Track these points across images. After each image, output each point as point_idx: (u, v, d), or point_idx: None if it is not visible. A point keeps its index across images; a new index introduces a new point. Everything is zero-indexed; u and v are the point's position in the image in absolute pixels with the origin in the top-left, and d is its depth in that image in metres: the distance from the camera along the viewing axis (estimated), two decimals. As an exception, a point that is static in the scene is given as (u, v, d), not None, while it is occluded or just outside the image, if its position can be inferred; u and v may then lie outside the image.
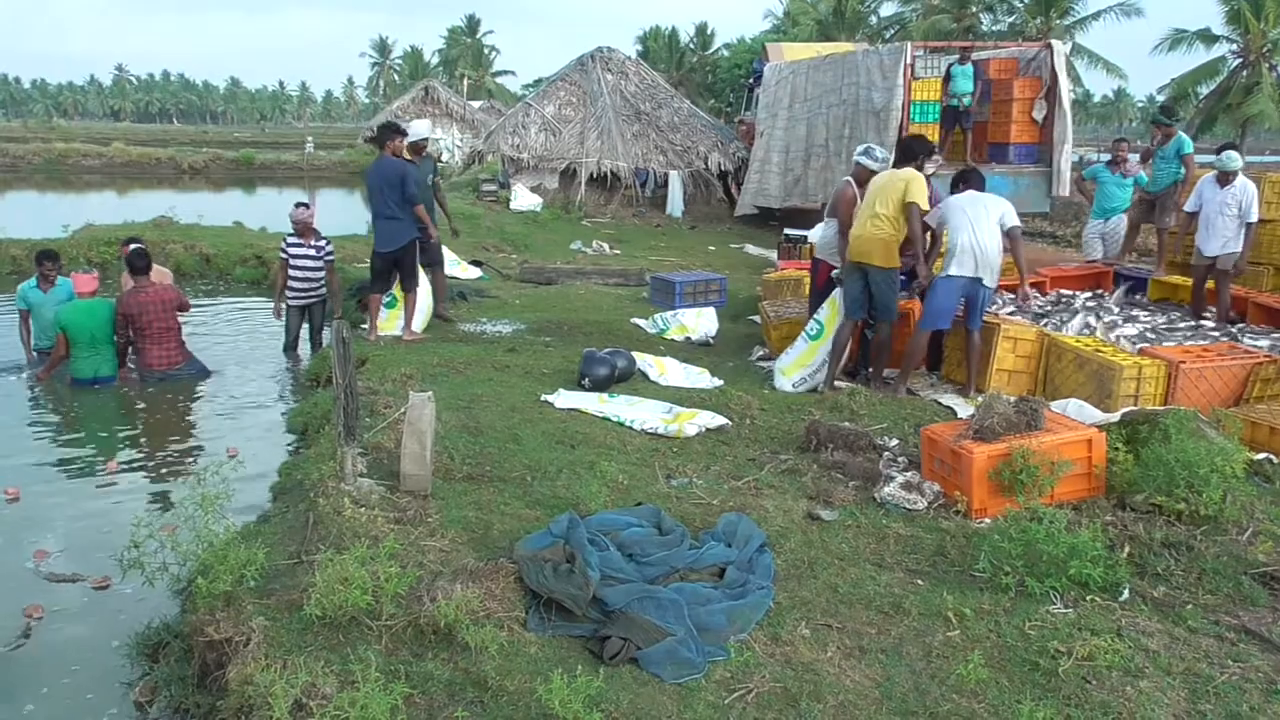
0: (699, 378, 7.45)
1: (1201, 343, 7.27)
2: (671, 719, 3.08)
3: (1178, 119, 10.43)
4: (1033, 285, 9.41)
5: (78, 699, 3.75)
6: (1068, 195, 15.08)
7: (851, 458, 5.51)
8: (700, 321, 9.28)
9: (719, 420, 6.23)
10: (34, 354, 8.48)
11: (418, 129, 9.13)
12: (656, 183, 20.38)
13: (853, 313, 7.12)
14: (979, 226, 6.82)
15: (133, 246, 8.59)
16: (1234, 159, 8.18)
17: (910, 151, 7.22)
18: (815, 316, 7.43)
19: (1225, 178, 8.10)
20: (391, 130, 8.49)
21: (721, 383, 7.39)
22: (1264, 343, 7.21)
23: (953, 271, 6.83)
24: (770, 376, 7.54)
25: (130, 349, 8.21)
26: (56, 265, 8.64)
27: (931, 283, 6.96)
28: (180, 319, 8.35)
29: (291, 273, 8.97)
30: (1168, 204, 9.45)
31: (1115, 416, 5.53)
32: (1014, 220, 6.92)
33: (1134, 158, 10.53)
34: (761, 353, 8.46)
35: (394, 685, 2.96)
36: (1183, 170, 9.33)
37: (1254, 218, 8.03)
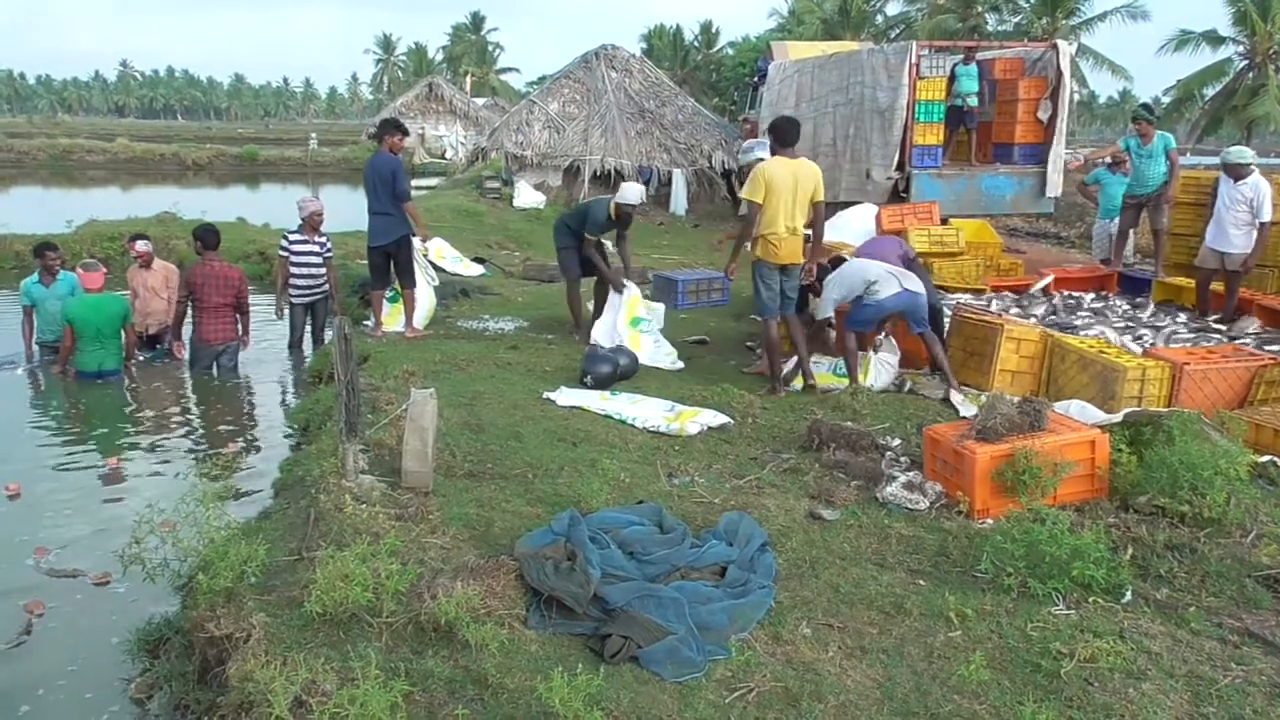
0: (664, 357, 7.81)
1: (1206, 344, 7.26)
2: (672, 718, 3.07)
3: (1158, 116, 10.43)
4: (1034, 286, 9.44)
5: (78, 695, 3.75)
6: (1058, 196, 15.09)
7: (854, 457, 5.50)
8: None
9: (721, 419, 6.23)
10: (35, 349, 8.50)
11: (628, 194, 8.59)
12: (660, 181, 20.36)
13: (773, 311, 7.09)
14: (888, 268, 7.04)
15: (144, 246, 9.01)
16: (1244, 152, 8.15)
17: (789, 135, 6.98)
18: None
19: (1237, 171, 8.00)
20: (391, 126, 8.47)
21: (683, 365, 7.91)
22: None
23: (882, 296, 6.89)
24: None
25: (174, 329, 8.65)
26: (57, 254, 8.72)
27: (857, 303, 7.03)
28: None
29: (296, 270, 8.95)
30: (1160, 203, 9.42)
31: (1118, 418, 5.51)
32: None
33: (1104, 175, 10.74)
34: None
35: (394, 682, 2.95)
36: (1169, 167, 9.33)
37: (1266, 217, 7.93)
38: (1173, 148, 9.36)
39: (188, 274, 8.63)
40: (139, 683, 3.70)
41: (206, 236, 8.62)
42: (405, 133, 8.63)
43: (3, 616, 4.25)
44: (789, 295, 7.12)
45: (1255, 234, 7.90)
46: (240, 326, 8.63)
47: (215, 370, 8.34)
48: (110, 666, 3.88)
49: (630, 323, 8.41)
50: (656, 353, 8.10)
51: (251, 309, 8.78)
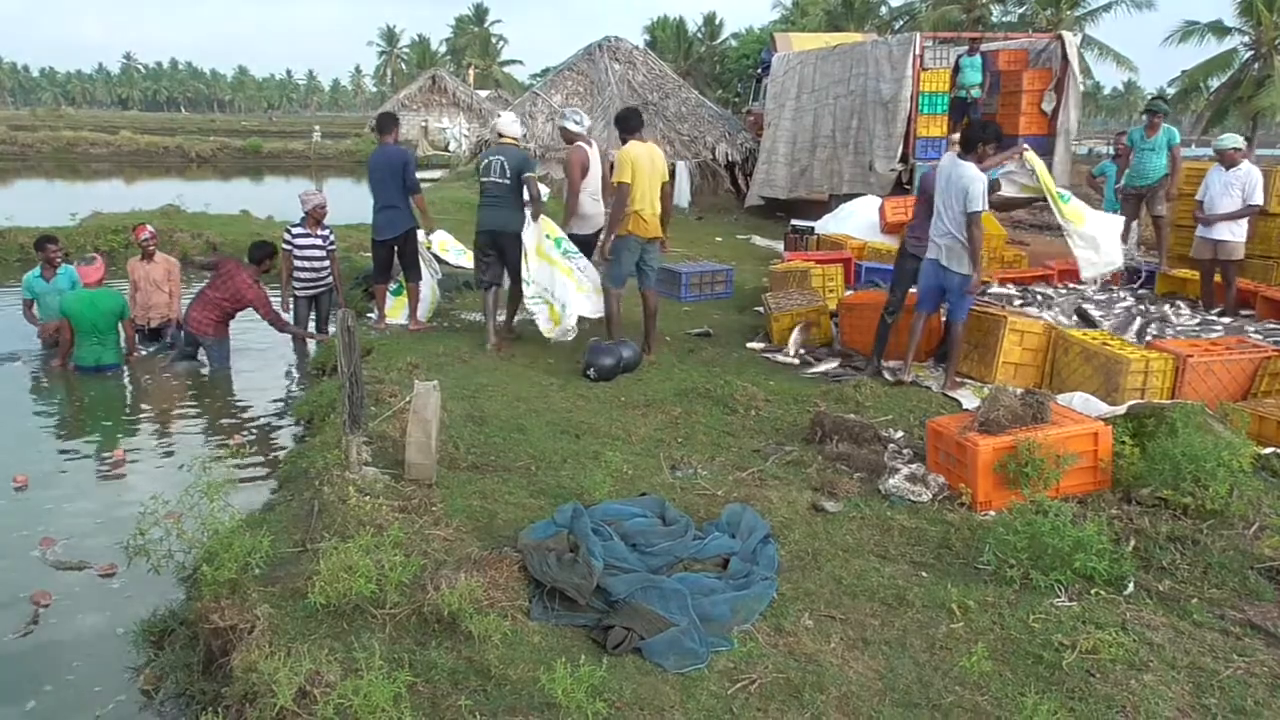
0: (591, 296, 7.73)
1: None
2: (674, 709, 3.08)
3: (1168, 110, 10.52)
4: (1040, 278, 9.42)
5: (84, 686, 3.76)
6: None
7: (856, 449, 5.51)
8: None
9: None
10: (38, 335, 8.53)
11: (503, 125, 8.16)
12: (663, 173, 20.31)
13: (621, 282, 7.61)
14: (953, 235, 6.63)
15: (153, 229, 9.27)
16: (1235, 138, 8.34)
17: (633, 123, 7.80)
18: None
19: (1231, 158, 8.19)
20: (393, 119, 8.47)
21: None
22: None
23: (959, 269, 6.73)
24: (774, 369, 7.57)
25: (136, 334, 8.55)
26: (58, 246, 8.77)
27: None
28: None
29: (299, 263, 8.95)
30: (1158, 192, 9.48)
31: (1121, 410, 5.51)
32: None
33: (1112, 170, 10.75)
34: (763, 345, 8.45)
35: (397, 673, 2.97)
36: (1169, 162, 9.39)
37: (1256, 200, 8.13)
38: (1176, 143, 9.41)
39: (221, 255, 8.76)
40: (148, 674, 3.72)
41: (253, 250, 8.74)
42: (397, 124, 8.71)
43: (9, 607, 4.27)
44: (651, 268, 7.69)
45: (1247, 219, 8.15)
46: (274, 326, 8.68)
47: (207, 360, 8.34)
48: (116, 657, 3.90)
49: (555, 243, 7.81)
50: (585, 285, 7.72)
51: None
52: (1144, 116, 9.80)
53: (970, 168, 6.51)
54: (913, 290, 7.21)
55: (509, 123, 8.24)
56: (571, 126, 8.15)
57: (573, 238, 8.00)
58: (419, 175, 9.04)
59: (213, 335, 8.36)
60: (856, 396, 6.54)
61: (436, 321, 8.89)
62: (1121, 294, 8.88)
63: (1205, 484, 4.50)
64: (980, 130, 6.84)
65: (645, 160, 7.45)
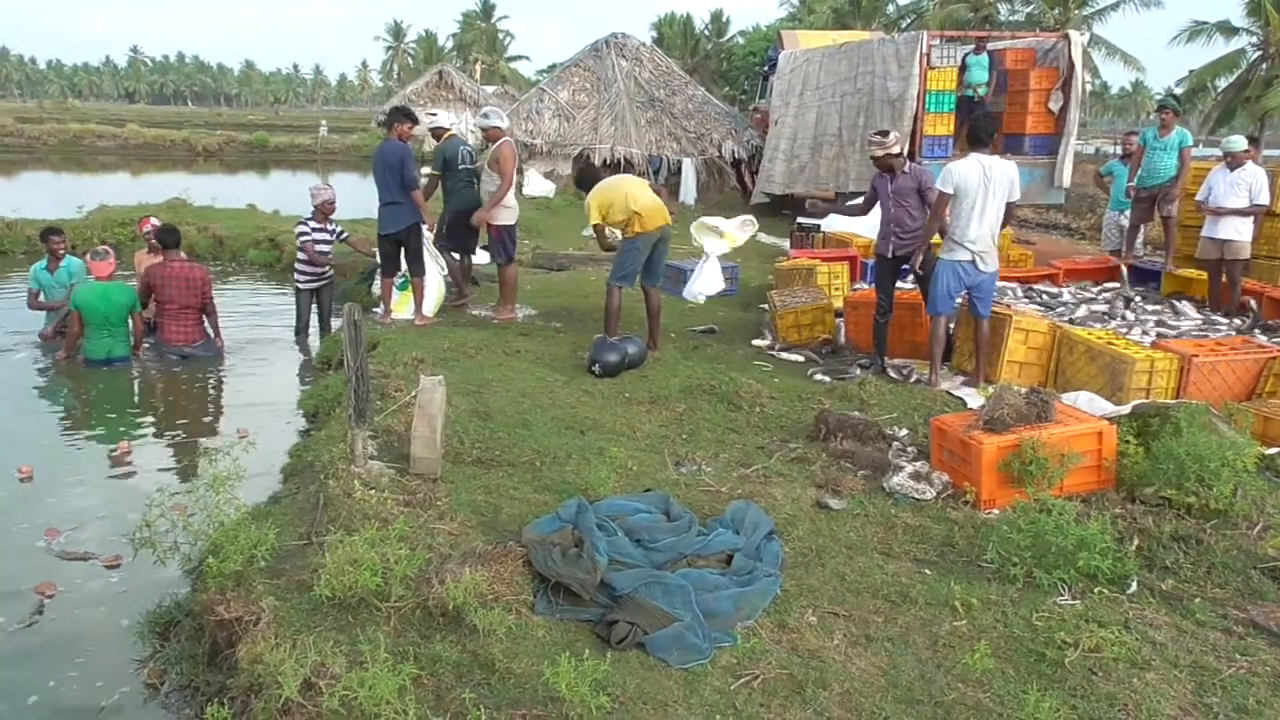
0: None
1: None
2: (677, 704, 3.09)
3: (1180, 111, 10.54)
4: (1046, 277, 9.41)
5: (88, 677, 3.78)
6: (1068, 186, 14.99)
7: (861, 447, 5.51)
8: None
9: None
10: (48, 330, 8.55)
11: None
12: (670, 170, 20.31)
13: (630, 281, 7.63)
14: (977, 233, 6.60)
15: (158, 222, 9.12)
16: (1240, 140, 8.37)
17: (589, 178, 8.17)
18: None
19: (1232, 160, 8.23)
20: (400, 114, 8.48)
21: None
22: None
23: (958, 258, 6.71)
24: (775, 366, 7.58)
25: (148, 327, 8.40)
26: (62, 238, 8.78)
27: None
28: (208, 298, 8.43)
29: (303, 256, 8.99)
30: (1169, 193, 9.47)
31: (1126, 409, 5.51)
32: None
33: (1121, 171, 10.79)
34: (767, 341, 8.45)
35: (402, 666, 2.98)
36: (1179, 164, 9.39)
37: (1264, 200, 8.16)
38: (1188, 144, 9.37)
39: (146, 276, 8.36)
40: (153, 666, 3.73)
41: (164, 236, 8.42)
42: (415, 121, 8.65)
43: (14, 597, 4.28)
44: (659, 264, 7.73)
45: (1253, 219, 8.19)
46: (209, 328, 8.46)
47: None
48: (121, 648, 3.91)
49: None
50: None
51: (262, 295, 8.78)
52: (1156, 115, 9.78)
53: (1001, 160, 6.67)
54: (902, 290, 7.33)
55: (446, 118, 9.58)
56: (499, 123, 8.81)
57: (505, 228, 8.87)
58: (426, 171, 9.09)
59: (200, 339, 8.35)
60: (861, 394, 6.54)
61: (442, 316, 8.91)
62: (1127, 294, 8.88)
63: (1209, 484, 4.49)
64: (989, 122, 6.95)
65: (607, 189, 7.58)
